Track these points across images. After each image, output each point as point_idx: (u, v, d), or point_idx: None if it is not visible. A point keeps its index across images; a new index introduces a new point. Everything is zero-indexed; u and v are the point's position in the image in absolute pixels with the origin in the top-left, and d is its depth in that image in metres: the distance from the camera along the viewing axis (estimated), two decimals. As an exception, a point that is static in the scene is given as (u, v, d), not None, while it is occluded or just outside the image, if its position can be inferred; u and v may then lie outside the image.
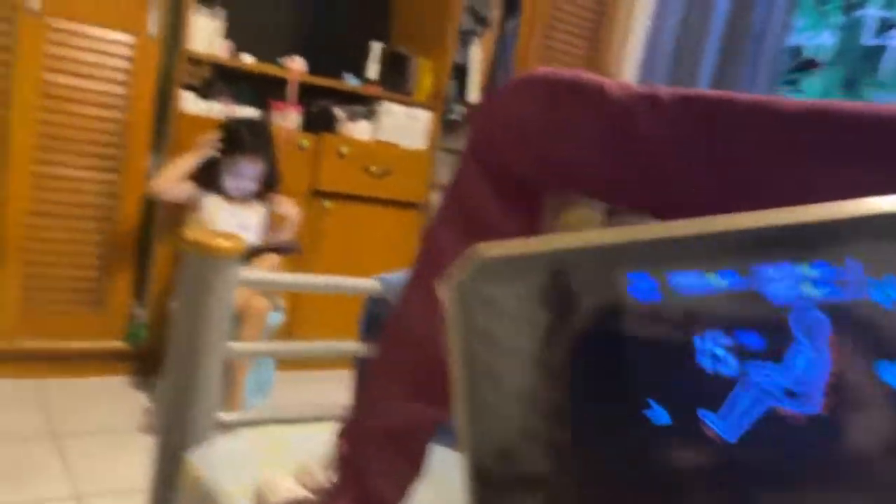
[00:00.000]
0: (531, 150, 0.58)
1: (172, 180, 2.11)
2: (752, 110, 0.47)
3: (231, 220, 2.14)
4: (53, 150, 2.09)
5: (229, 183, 2.14)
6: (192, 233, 0.98)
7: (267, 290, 2.05)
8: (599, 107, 0.54)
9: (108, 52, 2.11)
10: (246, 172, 2.14)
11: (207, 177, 2.14)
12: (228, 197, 2.17)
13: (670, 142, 0.50)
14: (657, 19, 3.12)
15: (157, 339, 2.31)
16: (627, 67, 3.00)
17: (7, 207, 2.05)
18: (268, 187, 2.23)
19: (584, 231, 0.28)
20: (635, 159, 0.52)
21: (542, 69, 0.62)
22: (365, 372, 1.25)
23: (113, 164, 2.17)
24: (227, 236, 1.00)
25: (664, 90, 0.51)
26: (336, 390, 2.40)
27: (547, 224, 0.58)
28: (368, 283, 1.08)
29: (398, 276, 1.12)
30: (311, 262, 2.54)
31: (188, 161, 2.12)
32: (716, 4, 2.93)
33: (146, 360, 2.33)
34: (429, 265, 0.62)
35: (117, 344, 2.29)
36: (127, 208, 2.22)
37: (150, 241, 2.32)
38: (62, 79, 2.06)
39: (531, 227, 0.58)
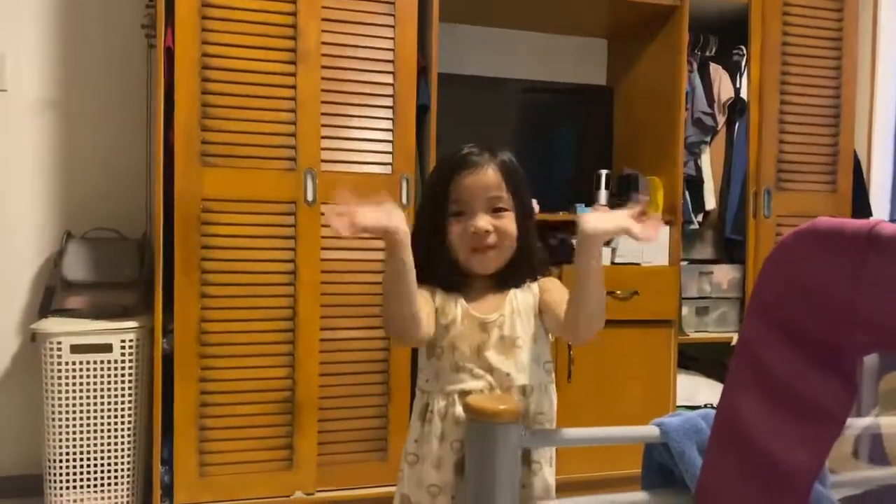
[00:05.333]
0: (836, 310, 0.56)
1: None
2: None
3: (486, 336, 1.29)
4: (333, 317, 2.37)
5: (463, 247, 1.29)
6: (473, 400, 1.05)
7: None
8: None
9: (370, 224, 2.39)
10: (480, 201, 1.28)
11: (444, 268, 1.31)
12: (473, 290, 1.32)
13: None
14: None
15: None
16: (880, 146, 2.77)
17: (300, 372, 2.33)
18: (529, 267, 1.35)
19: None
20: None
21: (823, 220, 0.62)
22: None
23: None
24: (506, 399, 1.07)
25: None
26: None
27: (866, 390, 0.56)
28: (647, 431, 1.07)
29: (676, 420, 1.10)
30: (567, 392, 2.55)
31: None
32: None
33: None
34: (732, 438, 0.62)
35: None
36: (398, 359, 2.43)
37: (405, 388, 2.50)
38: (335, 254, 2.37)
39: (847, 395, 0.56)
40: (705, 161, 2.92)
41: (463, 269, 1.32)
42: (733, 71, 2.94)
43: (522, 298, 1.32)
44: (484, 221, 1.28)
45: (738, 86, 2.94)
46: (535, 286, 1.35)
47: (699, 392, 2.80)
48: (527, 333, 1.31)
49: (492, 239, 1.28)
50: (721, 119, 2.92)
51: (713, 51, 2.98)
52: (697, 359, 3.01)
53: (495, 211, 1.29)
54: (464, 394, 1.26)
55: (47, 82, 2.59)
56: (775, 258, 0.61)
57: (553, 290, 1.34)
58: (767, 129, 2.74)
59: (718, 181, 2.99)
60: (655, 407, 2.66)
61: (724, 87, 2.90)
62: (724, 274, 2.87)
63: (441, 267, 1.32)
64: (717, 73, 2.92)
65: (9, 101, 2.55)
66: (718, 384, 2.86)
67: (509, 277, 1.33)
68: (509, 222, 1.30)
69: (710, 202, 2.94)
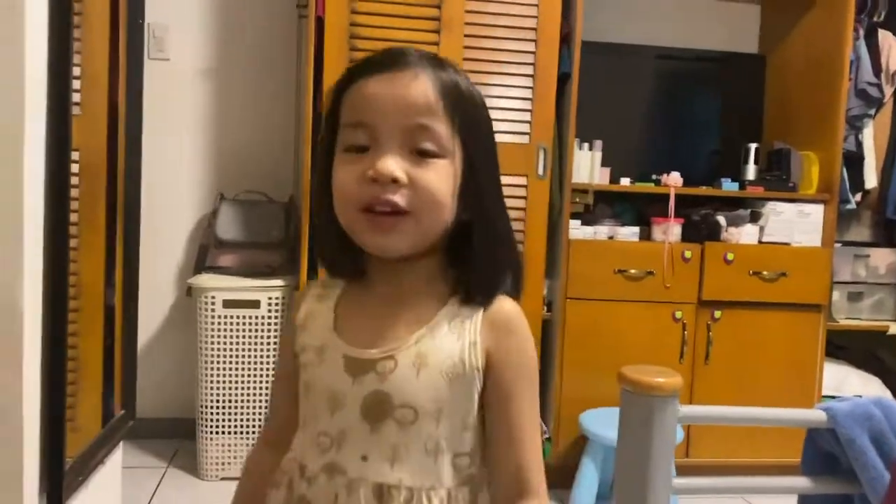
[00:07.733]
0: None
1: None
2: None
3: (351, 383, 0.74)
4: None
5: (350, 204, 0.73)
6: (630, 372, 1.04)
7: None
8: None
9: (506, 195, 2.39)
10: (393, 127, 0.72)
11: (329, 245, 0.79)
12: (365, 295, 0.79)
13: None
14: None
15: (563, 455, 2.44)
16: None
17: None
18: (482, 269, 0.77)
19: None
20: None
21: None
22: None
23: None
24: (664, 371, 1.04)
25: None
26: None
27: None
28: (814, 415, 1.02)
29: (845, 405, 1.04)
30: (703, 374, 2.47)
31: None
32: None
33: (556, 473, 2.45)
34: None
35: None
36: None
37: (551, 359, 2.48)
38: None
39: None
40: (867, 136, 2.71)
41: (357, 249, 0.76)
42: (905, 38, 2.70)
43: (442, 339, 0.74)
44: (392, 163, 0.71)
45: (910, 54, 2.69)
46: (478, 318, 0.75)
47: (847, 383, 2.63)
48: (431, 401, 0.72)
49: (401, 197, 0.71)
50: (889, 90, 2.69)
51: (882, 16, 2.74)
52: (846, 347, 2.83)
53: (419, 153, 0.72)
54: (301, 468, 0.76)
55: (205, 52, 2.74)
56: None
57: (510, 363, 0.76)
58: (943, 101, 2.50)
59: (881, 158, 2.77)
60: (799, 395, 2.52)
61: (893, 56, 2.67)
62: (883, 258, 2.66)
63: (326, 242, 0.78)
64: (887, 40, 2.68)
65: (171, 69, 2.72)
66: (870, 376, 2.67)
67: (439, 277, 0.77)
68: (438, 177, 0.72)
69: (871, 180, 2.73)
